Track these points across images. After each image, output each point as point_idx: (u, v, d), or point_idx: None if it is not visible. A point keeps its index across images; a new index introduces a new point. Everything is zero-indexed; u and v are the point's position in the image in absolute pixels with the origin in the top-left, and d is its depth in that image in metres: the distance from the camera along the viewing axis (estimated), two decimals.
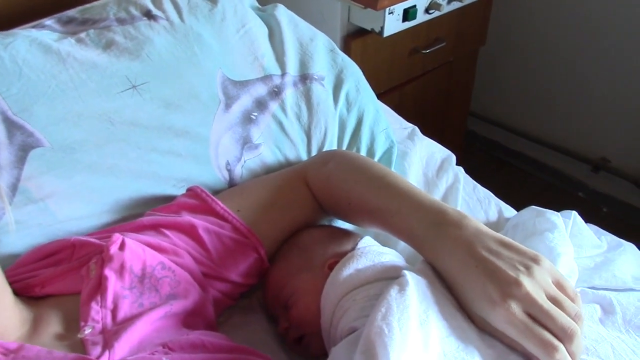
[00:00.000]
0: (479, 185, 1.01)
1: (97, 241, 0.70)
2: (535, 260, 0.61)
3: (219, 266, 0.74)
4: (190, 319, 0.68)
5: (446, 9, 1.44)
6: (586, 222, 0.89)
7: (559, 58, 1.90)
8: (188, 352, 0.59)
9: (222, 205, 0.77)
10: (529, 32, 1.93)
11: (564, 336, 0.57)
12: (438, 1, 1.39)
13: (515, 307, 0.58)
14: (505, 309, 0.58)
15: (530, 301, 0.58)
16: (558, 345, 0.56)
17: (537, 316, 0.58)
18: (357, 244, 0.79)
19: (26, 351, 0.57)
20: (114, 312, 0.63)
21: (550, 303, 0.58)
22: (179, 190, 0.84)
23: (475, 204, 0.98)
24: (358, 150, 0.97)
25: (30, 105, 0.80)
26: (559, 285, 0.61)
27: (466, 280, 0.62)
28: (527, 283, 0.58)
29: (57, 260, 0.71)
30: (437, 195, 0.98)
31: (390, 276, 0.70)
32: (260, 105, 0.93)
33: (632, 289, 0.78)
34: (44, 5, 1.25)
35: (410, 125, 1.10)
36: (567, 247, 0.77)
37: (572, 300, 0.61)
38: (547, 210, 0.87)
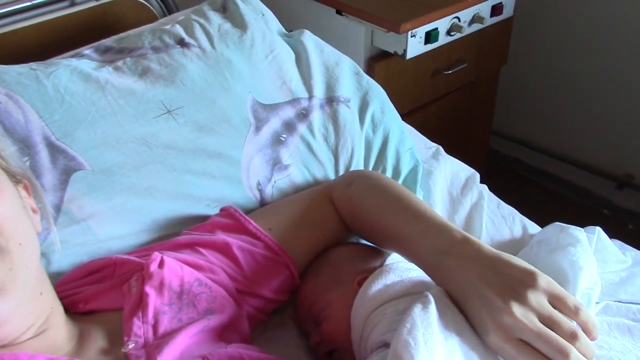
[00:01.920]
0: (503, 203, 1.03)
1: (137, 259, 0.73)
2: (529, 281, 0.62)
3: (253, 283, 0.77)
4: (226, 334, 0.71)
5: (467, 30, 1.47)
6: (611, 238, 0.91)
7: (580, 75, 1.92)
8: None
9: (254, 224, 0.81)
10: (550, 51, 1.95)
11: (559, 357, 0.58)
12: (459, 24, 1.42)
13: (506, 335, 0.60)
14: (497, 337, 0.60)
15: (521, 327, 0.59)
16: None
17: (529, 341, 0.59)
18: (384, 260, 0.81)
19: None
20: (155, 327, 0.67)
21: (541, 326, 0.59)
22: (212, 210, 0.87)
23: (499, 221, 1.00)
24: (384, 169, 1.00)
25: (72, 131, 0.85)
26: (558, 300, 0.62)
27: (467, 308, 0.65)
28: (516, 309, 0.60)
29: (99, 277, 0.74)
30: (462, 213, 1.00)
31: (418, 291, 0.72)
32: (289, 127, 0.96)
33: None
34: (80, 34, 1.31)
35: (434, 144, 1.13)
36: (589, 261, 0.79)
37: (574, 312, 0.62)
38: (571, 226, 0.88)
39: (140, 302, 0.68)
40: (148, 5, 1.47)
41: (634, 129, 1.87)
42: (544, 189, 2.19)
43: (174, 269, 0.71)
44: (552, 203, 2.14)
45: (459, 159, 1.11)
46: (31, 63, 0.94)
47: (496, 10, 1.51)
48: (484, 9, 1.48)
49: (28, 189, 0.68)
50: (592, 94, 1.92)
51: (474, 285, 0.64)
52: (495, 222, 1.00)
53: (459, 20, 1.43)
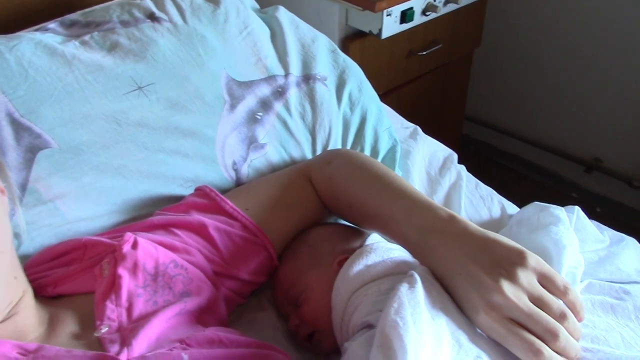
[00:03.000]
0: (481, 183, 1.02)
1: (108, 241, 0.70)
2: (519, 260, 0.61)
3: (230, 264, 0.75)
4: (203, 316, 0.68)
5: (442, 10, 1.45)
6: None
7: (550, 60, 1.92)
8: (206, 347, 0.60)
9: (231, 204, 0.78)
10: (522, 35, 1.95)
11: (549, 338, 0.58)
12: (434, 3, 1.40)
13: (496, 314, 0.59)
14: (487, 316, 0.59)
15: (511, 306, 0.58)
16: (541, 347, 0.57)
17: (519, 320, 0.59)
18: (364, 240, 0.79)
19: (45, 351, 0.57)
20: (129, 310, 0.64)
21: (531, 306, 0.59)
22: (186, 190, 0.84)
23: (478, 201, 0.99)
24: (362, 149, 0.98)
25: (37, 107, 0.81)
26: (547, 279, 0.61)
27: (453, 287, 0.64)
28: (507, 288, 0.59)
29: (68, 260, 0.71)
30: (440, 193, 0.99)
31: (400, 271, 0.70)
32: (265, 105, 0.93)
33: (636, 282, 0.79)
34: (41, 11, 1.25)
35: (412, 124, 1.11)
36: (572, 240, 0.78)
37: (563, 292, 0.61)
38: (551, 205, 0.88)
39: (113, 285, 0.65)
40: None
41: (602, 113, 1.89)
42: (514, 173, 2.20)
43: (148, 250, 0.68)
44: (522, 187, 2.15)
45: None
46: None
47: None
48: None
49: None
50: (562, 79, 1.93)
51: (461, 264, 0.62)
52: (473, 202, 0.99)
53: (434, 0, 1.41)
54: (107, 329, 0.61)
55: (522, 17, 1.92)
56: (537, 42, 1.92)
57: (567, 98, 1.96)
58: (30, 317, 0.62)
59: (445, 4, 1.45)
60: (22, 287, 0.62)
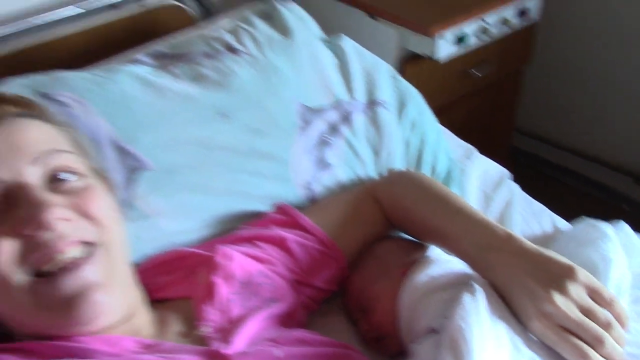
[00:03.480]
0: (533, 200, 1.09)
1: (203, 252, 0.81)
2: (569, 275, 0.69)
3: (307, 274, 0.84)
4: (286, 320, 0.78)
5: (494, 33, 1.52)
6: None
7: (600, 74, 1.96)
8: (295, 345, 0.69)
9: (307, 220, 0.87)
10: (573, 50, 1.99)
11: (596, 344, 0.66)
12: (487, 26, 1.48)
13: (548, 322, 0.67)
14: (540, 323, 0.67)
15: (561, 315, 0.67)
16: (588, 352, 0.65)
17: (569, 328, 0.67)
18: (426, 253, 0.88)
19: (162, 346, 0.67)
20: (225, 313, 0.74)
21: (580, 315, 0.67)
22: (265, 207, 0.94)
23: (530, 217, 1.06)
24: (422, 169, 1.06)
25: (136, 133, 0.92)
26: (595, 292, 0.69)
27: (509, 297, 0.72)
28: (558, 299, 0.67)
29: (169, 269, 0.81)
30: (495, 210, 1.06)
31: (459, 282, 0.79)
32: (334, 129, 1.03)
33: None
34: (123, 40, 1.38)
35: (466, 144, 1.19)
36: (618, 254, 0.85)
37: (609, 304, 0.69)
38: (598, 221, 0.94)
39: (209, 291, 0.75)
40: (187, 9, 1.54)
41: None
42: (564, 185, 2.23)
43: (238, 260, 0.78)
44: (572, 199, 2.19)
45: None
46: (94, 69, 1.02)
47: (522, 13, 1.57)
48: (510, 13, 1.54)
49: (110, 187, 0.75)
50: (612, 93, 1.96)
51: (517, 278, 0.70)
52: (526, 218, 1.06)
53: (487, 23, 1.49)
54: (209, 328, 0.71)
55: (573, 34, 1.96)
56: (587, 56, 1.97)
57: (616, 110, 1.99)
58: (143, 317, 0.72)
59: (497, 26, 1.52)
60: (138, 291, 0.73)
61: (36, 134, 0.68)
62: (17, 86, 0.93)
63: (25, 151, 0.66)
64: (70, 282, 0.62)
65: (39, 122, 0.71)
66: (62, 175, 0.66)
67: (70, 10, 1.36)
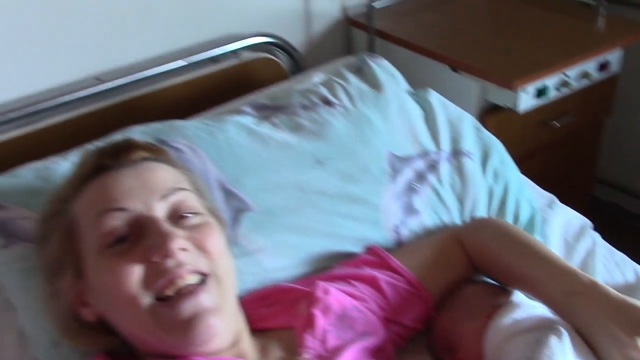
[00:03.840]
0: (615, 250, 1.12)
1: (302, 287, 0.88)
2: None
3: (396, 312, 0.90)
4: (377, 354, 0.83)
5: (575, 86, 1.56)
6: None
7: None
8: None
9: (396, 262, 0.94)
10: None
11: None
12: (568, 80, 1.52)
13: None
14: None
15: None
16: None
17: None
18: (511, 297, 0.92)
19: None
20: (323, 342, 0.80)
21: None
22: (356, 248, 1.01)
23: (612, 267, 1.08)
24: (505, 217, 1.11)
25: (241, 177, 1.01)
26: None
27: (593, 341, 0.76)
28: None
29: (270, 302, 0.89)
30: (577, 259, 1.09)
31: (543, 326, 0.83)
32: (421, 177, 1.10)
33: None
34: (223, 92, 1.50)
35: (548, 194, 1.23)
36: None
37: None
38: None
39: (309, 322, 0.82)
40: (279, 61, 1.66)
41: None
42: None
43: (335, 295, 0.85)
44: None
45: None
46: (204, 118, 1.13)
47: (603, 67, 1.60)
48: (590, 66, 1.57)
49: (221, 224, 0.84)
50: None
51: (602, 324, 0.74)
52: (608, 268, 1.09)
53: (568, 77, 1.53)
54: (309, 355, 0.78)
55: None
56: None
57: None
58: (248, 344, 0.80)
59: (578, 79, 1.56)
60: (242, 320, 0.81)
61: (163, 175, 0.79)
62: (139, 133, 1.05)
63: (155, 189, 0.76)
64: (188, 307, 0.70)
65: (165, 165, 0.82)
66: (183, 212, 0.76)
67: (176, 64, 1.50)
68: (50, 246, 0.79)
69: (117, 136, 1.05)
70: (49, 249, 0.79)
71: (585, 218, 1.18)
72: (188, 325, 0.69)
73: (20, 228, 0.92)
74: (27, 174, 0.99)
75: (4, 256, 0.90)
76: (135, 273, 0.70)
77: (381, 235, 1.03)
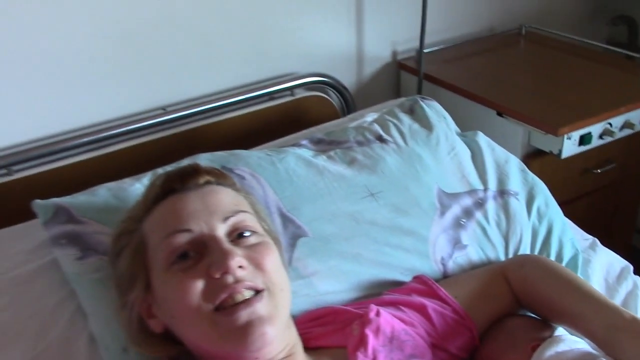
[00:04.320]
0: None
1: (354, 310, 0.93)
2: None
3: (443, 339, 0.95)
4: None
5: (618, 135, 1.61)
6: None
7: None
8: None
9: (444, 291, 0.99)
10: None
11: None
12: (611, 129, 1.57)
13: None
14: None
15: None
16: None
17: None
18: (553, 332, 0.96)
19: None
20: None
21: None
22: (405, 277, 1.06)
23: None
24: (548, 255, 1.15)
25: (299, 205, 1.08)
26: None
27: None
28: None
29: (323, 322, 0.94)
30: (617, 300, 1.13)
31: None
32: (468, 213, 1.15)
33: None
34: (280, 125, 1.59)
35: (590, 237, 1.27)
36: None
37: None
38: None
39: (361, 341, 0.87)
40: (331, 100, 1.75)
41: None
42: None
43: (386, 318, 0.90)
44: None
45: None
46: (265, 149, 1.21)
47: None
48: (634, 116, 1.62)
49: (279, 245, 0.91)
50: None
51: None
52: None
53: (611, 126, 1.58)
54: None
55: None
56: None
57: None
58: (301, 358, 0.85)
59: (621, 129, 1.61)
60: (294, 336, 0.86)
61: (225, 198, 0.86)
62: (205, 160, 1.13)
63: (217, 211, 0.83)
64: (244, 314, 0.75)
65: (228, 189, 0.89)
66: (242, 231, 0.83)
67: (235, 98, 1.60)
68: (122, 261, 0.86)
69: (186, 162, 1.13)
70: (121, 264, 0.86)
71: (626, 261, 1.21)
72: (244, 332, 0.74)
73: (96, 242, 1.00)
74: (104, 193, 1.08)
75: (80, 266, 0.98)
76: (198, 287, 0.76)
77: (429, 267, 1.08)
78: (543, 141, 1.56)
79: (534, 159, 1.60)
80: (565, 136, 1.50)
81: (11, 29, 1.31)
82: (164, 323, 0.83)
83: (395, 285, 1.04)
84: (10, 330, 0.94)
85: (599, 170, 1.70)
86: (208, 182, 0.88)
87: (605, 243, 1.27)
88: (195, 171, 0.88)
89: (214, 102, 1.55)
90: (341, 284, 1.03)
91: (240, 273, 0.77)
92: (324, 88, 1.75)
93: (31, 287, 1.00)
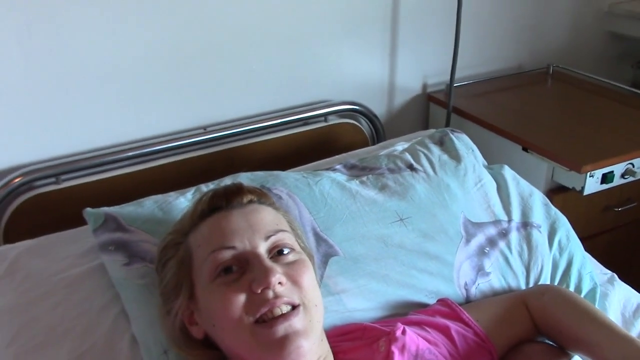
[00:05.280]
0: None
1: (382, 327, 0.99)
2: None
3: (464, 359, 1.00)
4: None
5: None
6: None
7: None
8: None
9: (467, 315, 1.04)
10: None
11: None
12: (633, 169, 1.61)
13: None
14: None
15: None
16: None
17: None
18: (570, 358, 1.01)
19: None
20: None
21: None
22: (429, 300, 1.11)
23: None
24: (567, 286, 1.20)
25: (332, 226, 1.14)
26: None
27: None
28: None
29: (352, 337, 1.00)
30: (633, 333, 1.17)
31: None
32: (492, 242, 1.20)
33: None
34: (311, 150, 1.66)
35: (609, 272, 1.31)
36: None
37: None
38: None
39: (388, 358, 0.92)
40: (362, 128, 1.81)
41: None
42: None
43: (412, 337, 0.95)
44: None
45: None
46: (302, 171, 1.28)
47: None
48: None
49: (313, 263, 0.97)
50: None
51: None
52: None
53: (633, 166, 1.62)
54: None
55: None
56: None
57: None
58: None
59: None
60: (326, 348, 0.92)
61: (267, 217, 0.92)
62: (245, 179, 1.20)
63: (259, 229, 0.89)
64: (281, 328, 0.81)
65: (269, 208, 0.95)
66: (282, 250, 0.89)
67: (271, 122, 1.67)
68: (168, 271, 0.93)
69: (228, 180, 1.20)
70: (167, 273, 0.93)
71: None
72: (281, 344, 0.80)
73: (142, 250, 1.07)
74: (150, 204, 1.15)
75: (126, 272, 1.05)
76: (240, 300, 0.82)
77: (453, 291, 1.14)
78: (566, 177, 1.61)
79: (557, 194, 1.65)
80: (588, 174, 1.55)
81: (72, 46, 1.41)
82: (204, 330, 0.89)
83: (421, 306, 1.09)
84: (59, 327, 1.01)
85: (620, 209, 1.74)
86: (251, 201, 0.94)
87: (625, 279, 1.31)
88: (239, 190, 0.95)
89: (252, 125, 1.63)
90: (369, 302, 1.09)
91: (279, 289, 0.83)
92: (356, 116, 1.82)
93: (79, 289, 1.07)
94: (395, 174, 1.26)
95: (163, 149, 1.49)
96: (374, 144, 1.79)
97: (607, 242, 1.81)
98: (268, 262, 0.85)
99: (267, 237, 0.88)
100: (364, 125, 1.84)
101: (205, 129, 1.58)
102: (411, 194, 1.22)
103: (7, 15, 1.32)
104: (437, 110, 1.95)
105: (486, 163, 1.40)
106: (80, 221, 1.16)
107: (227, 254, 0.86)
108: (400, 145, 1.45)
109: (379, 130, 1.85)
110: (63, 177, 1.43)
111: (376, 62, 1.85)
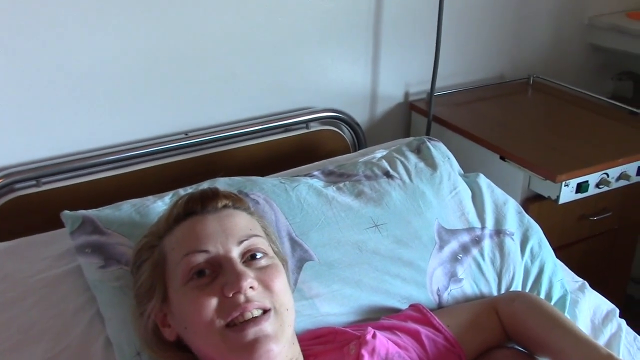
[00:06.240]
0: (639, 337, 1.21)
1: (352, 331, 1.01)
2: None
3: None
4: None
5: (614, 185, 1.68)
6: None
7: None
8: None
9: (437, 320, 1.06)
10: None
11: None
12: (608, 179, 1.64)
13: None
14: None
15: None
16: None
17: None
18: None
19: None
20: None
21: None
22: (402, 305, 1.13)
23: (635, 352, 1.18)
24: (538, 293, 1.22)
25: (307, 231, 1.16)
26: None
27: None
28: None
29: (323, 341, 1.02)
30: (601, 341, 1.19)
31: None
32: (465, 249, 1.23)
33: None
34: (291, 155, 1.67)
35: (581, 279, 1.34)
36: None
37: None
38: None
39: None
40: (344, 135, 1.83)
41: None
42: None
43: (382, 341, 0.97)
44: None
45: None
46: (279, 177, 1.29)
47: None
48: (631, 169, 1.69)
49: (286, 268, 0.98)
50: None
51: None
52: (631, 352, 1.18)
53: (608, 176, 1.65)
54: None
55: None
56: None
57: None
58: None
59: (617, 179, 1.68)
60: (297, 351, 0.93)
61: (241, 222, 0.94)
62: (223, 184, 1.21)
63: (233, 234, 0.90)
64: (252, 331, 0.83)
65: (244, 213, 0.97)
66: (255, 254, 0.90)
67: (253, 128, 1.69)
68: (142, 273, 0.94)
69: (205, 184, 1.22)
70: (141, 275, 0.94)
71: (614, 305, 1.28)
72: (251, 348, 0.82)
73: (118, 252, 1.08)
74: (128, 208, 1.16)
75: (102, 274, 1.06)
76: (212, 304, 0.84)
77: (425, 297, 1.16)
78: (542, 186, 1.64)
79: (533, 202, 1.67)
80: (563, 183, 1.58)
81: (54, 50, 1.42)
82: (177, 332, 0.91)
83: (393, 311, 1.11)
84: (35, 327, 1.02)
85: (595, 218, 1.77)
86: (226, 206, 0.96)
87: (598, 288, 1.34)
88: (214, 195, 0.96)
89: (233, 130, 1.64)
90: (342, 307, 1.11)
91: (250, 293, 0.84)
92: (338, 123, 1.84)
93: (55, 291, 1.08)
94: (372, 181, 1.28)
95: (144, 153, 1.50)
96: (355, 151, 1.81)
97: (583, 250, 1.84)
98: (240, 267, 0.86)
99: (240, 242, 0.90)
100: (346, 133, 1.86)
101: (186, 134, 1.59)
102: (387, 201, 1.24)
103: None
104: (418, 119, 1.98)
105: (462, 171, 1.42)
106: (61, 224, 1.17)
107: (200, 258, 0.87)
108: (379, 153, 1.47)
109: (361, 138, 1.87)
110: (44, 179, 1.44)
111: (359, 69, 1.88)
